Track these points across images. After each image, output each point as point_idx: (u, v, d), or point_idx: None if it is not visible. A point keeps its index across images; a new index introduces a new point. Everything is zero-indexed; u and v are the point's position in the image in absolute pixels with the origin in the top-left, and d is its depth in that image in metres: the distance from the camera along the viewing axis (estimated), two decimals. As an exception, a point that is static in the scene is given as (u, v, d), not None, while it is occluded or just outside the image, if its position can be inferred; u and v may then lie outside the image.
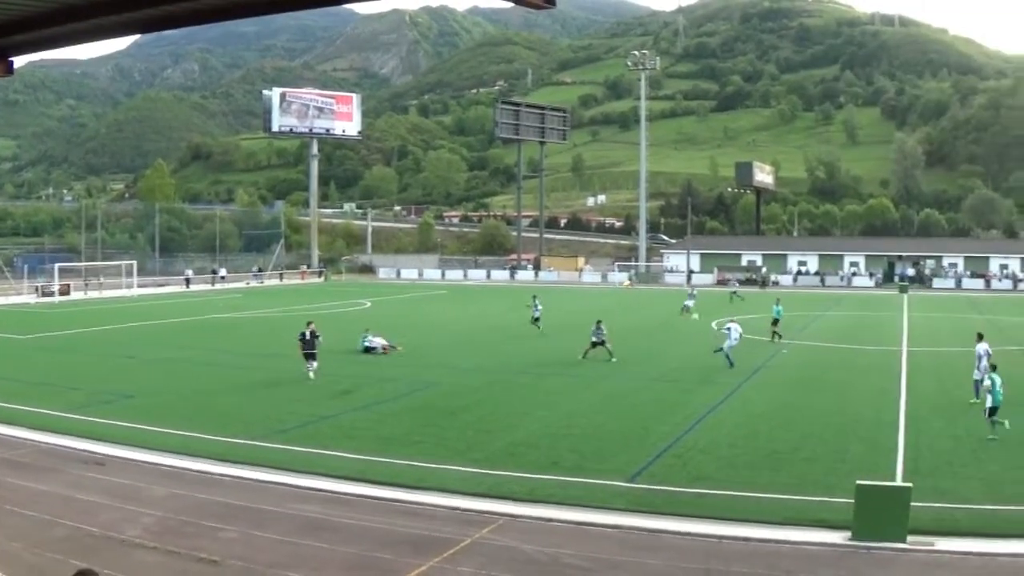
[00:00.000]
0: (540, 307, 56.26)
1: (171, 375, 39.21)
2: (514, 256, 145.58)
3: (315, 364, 37.60)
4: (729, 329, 41.75)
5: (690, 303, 69.21)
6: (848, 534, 17.67)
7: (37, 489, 20.98)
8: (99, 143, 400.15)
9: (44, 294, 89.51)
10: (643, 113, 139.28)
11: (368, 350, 46.00)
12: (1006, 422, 26.47)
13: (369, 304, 79.52)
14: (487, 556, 16.71)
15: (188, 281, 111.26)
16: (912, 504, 17.68)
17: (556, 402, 32.62)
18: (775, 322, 52.27)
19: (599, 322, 44.17)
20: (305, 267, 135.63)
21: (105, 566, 14.13)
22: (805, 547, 17.41)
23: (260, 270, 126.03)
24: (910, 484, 18.83)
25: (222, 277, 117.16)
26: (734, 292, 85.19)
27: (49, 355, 46.58)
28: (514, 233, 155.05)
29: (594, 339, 43.38)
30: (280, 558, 16.53)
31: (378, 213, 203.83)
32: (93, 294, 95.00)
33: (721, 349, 41.55)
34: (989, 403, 26.58)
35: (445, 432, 27.38)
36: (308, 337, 38.03)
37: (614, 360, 42.17)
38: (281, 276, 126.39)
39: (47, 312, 74.49)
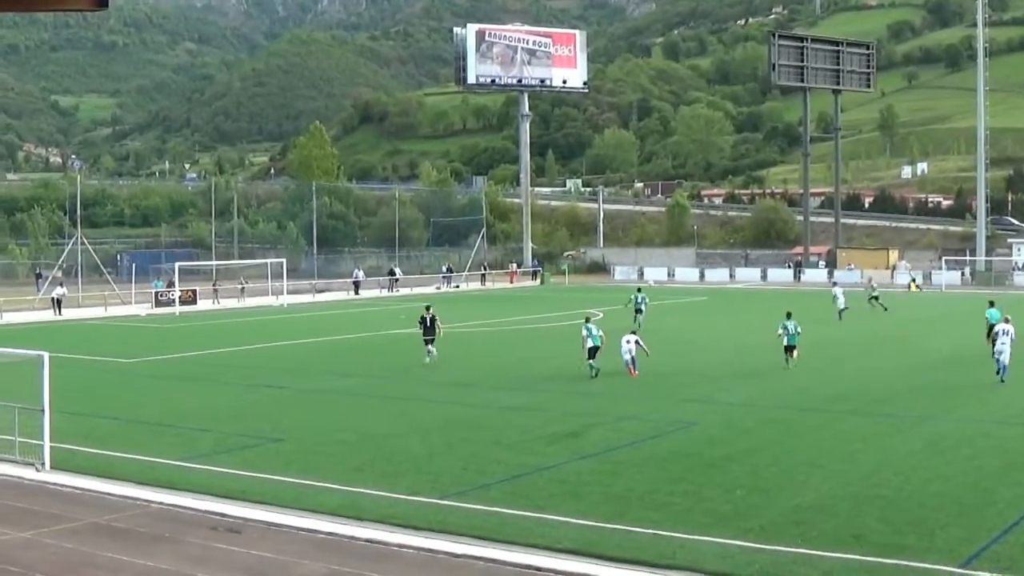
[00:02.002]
0: (645, 301, 68.45)
1: (333, 411, 40.11)
2: (799, 249, 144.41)
3: (433, 349, 50.11)
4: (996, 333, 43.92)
5: (841, 302, 75.00)
6: None
7: (146, 566, 21.33)
8: (232, 101, 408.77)
9: (160, 303, 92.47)
10: (981, 45, 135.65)
11: (593, 352, 45.65)
12: None
13: (601, 315, 79.83)
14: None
15: (357, 285, 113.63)
16: None
17: (859, 451, 32.08)
18: (991, 330, 49.92)
19: (789, 314, 48.27)
20: (515, 265, 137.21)
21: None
22: None
23: (450, 270, 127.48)
24: None
25: (396, 280, 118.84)
26: (873, 296, 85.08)
27: (165, 384, 48.00)
28: (799, 218, 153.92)
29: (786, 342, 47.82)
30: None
31: (613, 192, 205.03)
32: (228, 302, 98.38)
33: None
34: None
35: (704, 490, 27.21)
36: (428, 323, 50.49)
37: (788, 368, 47.66)
38: (483, 278, 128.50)
39: (164, 327, 77.12)
